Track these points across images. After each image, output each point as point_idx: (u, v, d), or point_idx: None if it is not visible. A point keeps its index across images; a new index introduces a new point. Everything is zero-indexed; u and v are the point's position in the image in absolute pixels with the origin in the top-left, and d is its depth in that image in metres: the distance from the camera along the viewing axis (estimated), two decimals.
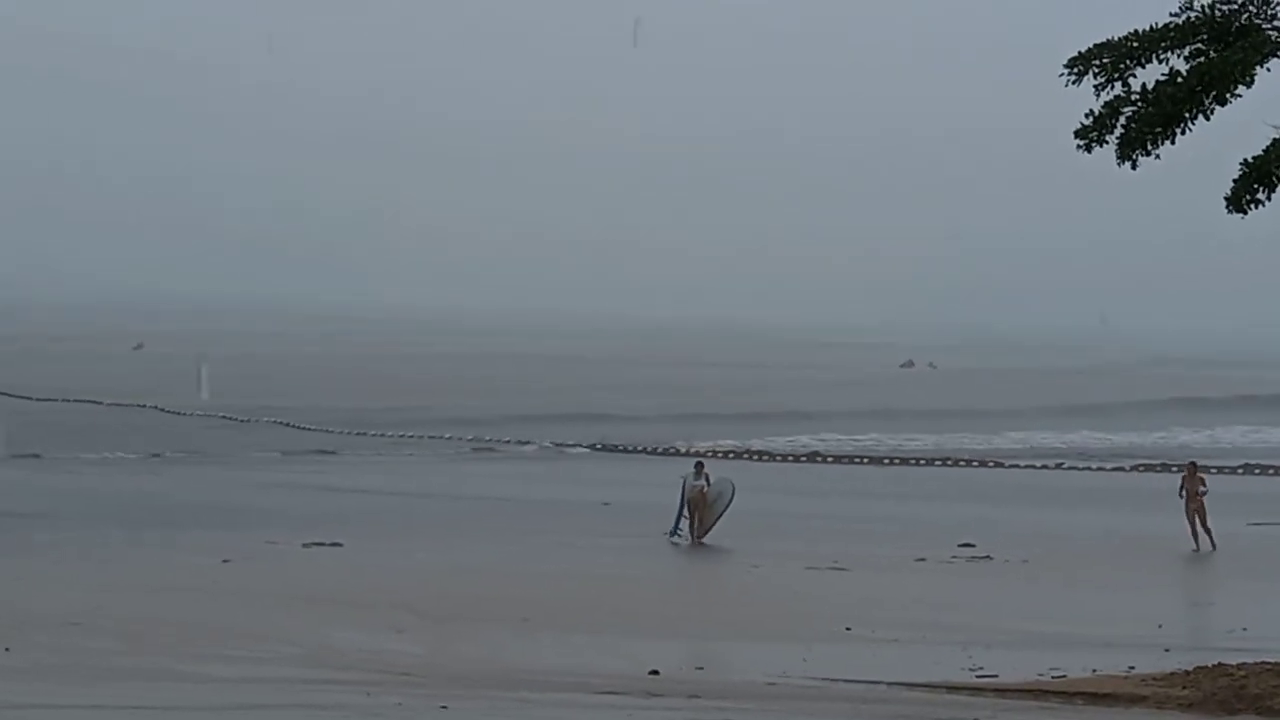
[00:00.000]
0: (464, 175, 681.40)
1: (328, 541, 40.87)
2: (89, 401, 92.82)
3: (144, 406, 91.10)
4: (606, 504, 54.29)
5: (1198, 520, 43.30)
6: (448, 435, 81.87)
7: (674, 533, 44.06)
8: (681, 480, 44.87)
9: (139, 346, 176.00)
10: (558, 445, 79.88)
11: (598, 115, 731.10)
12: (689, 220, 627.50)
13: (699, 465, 45.85)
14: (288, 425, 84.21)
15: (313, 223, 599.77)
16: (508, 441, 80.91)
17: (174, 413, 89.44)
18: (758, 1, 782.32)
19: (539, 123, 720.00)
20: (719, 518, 44.20)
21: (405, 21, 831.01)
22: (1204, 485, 44.00)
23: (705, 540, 43.80)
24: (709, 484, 44.44)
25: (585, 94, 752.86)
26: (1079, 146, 19.90)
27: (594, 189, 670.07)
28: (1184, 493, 43.99)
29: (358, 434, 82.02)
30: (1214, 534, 43.14)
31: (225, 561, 37.13)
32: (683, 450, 75.79)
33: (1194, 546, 43.05)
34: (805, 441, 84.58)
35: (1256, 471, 69.96)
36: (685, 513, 44.10)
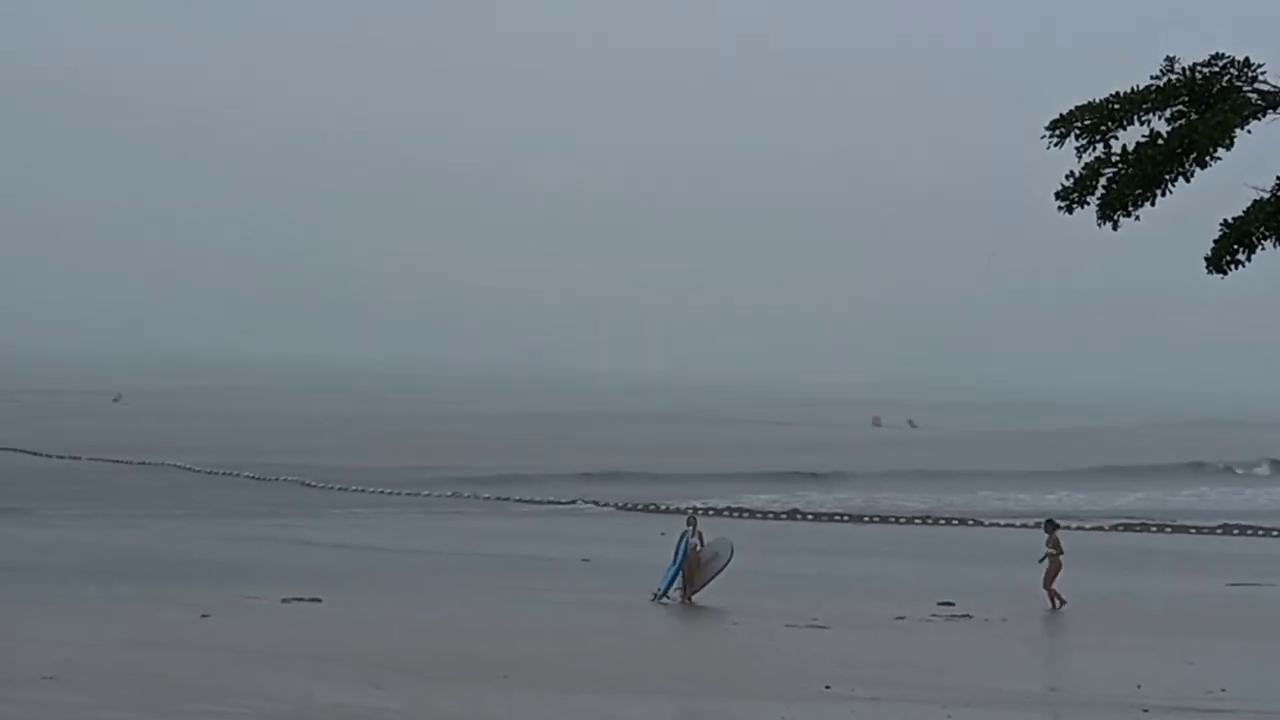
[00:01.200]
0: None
1: (307, 597, 40.75)
2: (111, 460, 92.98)
3: (171, 465, 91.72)
4: (586, 560, 54.25)
5: (1045, 577, 42.98)
6: (449, 493, 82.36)
7: (663, 594, 42.84)
8: (680, 537, 43.50)
9: (118, 399, 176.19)
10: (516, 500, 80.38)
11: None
12: (627, 273, 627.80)
13: (692, 520, 44.26)
14: (303, 483, 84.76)
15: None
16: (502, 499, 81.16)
17: (194, 470, 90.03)
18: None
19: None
20: (713, 577, 43.27)
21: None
22: (1057, 546, 43.34)
23: (694, 599, 42.74)
24: (702, 541, 43.30)
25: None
26: (1060, 208, 20.02)
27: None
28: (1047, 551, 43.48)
29: (359, 490, 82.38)
30: (1058, 595, 42.57)
31: (204, 616, 36.99)
32: (662, 508, 75.78)
33: (1050, 606, 42.60)
34: (783, 499, 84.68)
35: (1235, 532, 70.08)
36: (678, 572, 42.91)
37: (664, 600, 42.66)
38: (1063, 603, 42.68)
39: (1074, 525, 73.65)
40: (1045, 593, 43.06)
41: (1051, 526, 45.24)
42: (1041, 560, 43.68)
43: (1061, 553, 43.47)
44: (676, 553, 43.15)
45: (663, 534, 46.97)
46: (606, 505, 79.17)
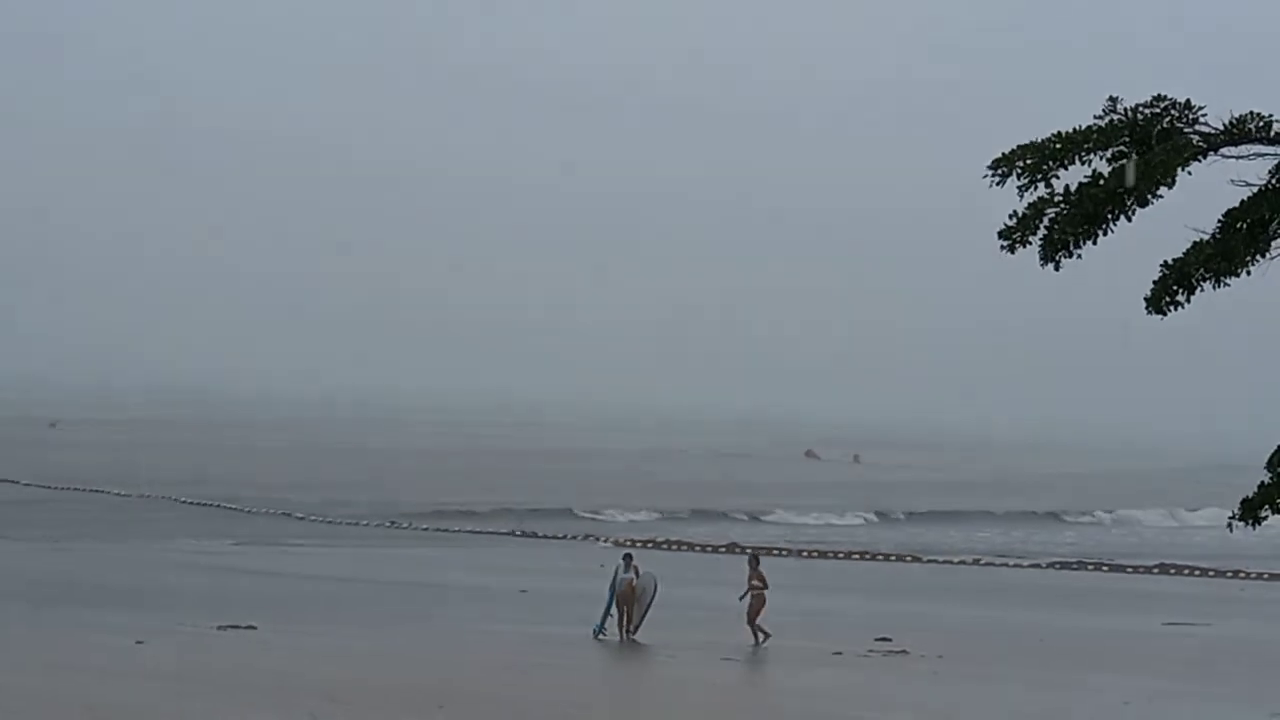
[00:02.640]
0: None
1: (242, 624, 40.50)
2: (41, 486, 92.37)
3: (102, 492, 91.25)
4: (524, 591, 54.10)
5: (749, 613, 41.95)
6: (388, 523, 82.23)
7: (600, 630, 42.30)
8: (613, 572, 42.97)
9: (54, 425, 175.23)
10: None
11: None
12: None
13: (628, 557, 43.67)
14: (243, 511, 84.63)
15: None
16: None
17: (125, 495, 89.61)
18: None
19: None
20: (645, 612, 42.94)
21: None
22: (762, 581, 42.16)
23: (635, 636, 42.06)
24: (638, 576, 42.63)
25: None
26: (1003, 247, 20.06)
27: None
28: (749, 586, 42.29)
29: (300, 518, 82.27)
30: (763, 629, 41.69)
31: (138, 643, 36.69)
32: (601, 540, 75.73)
33: (753, 642, 41.64)
34: (722, 531, 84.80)
35: (1172, 572, 70.42)
36: (613, 608, 42.40)
37: (601, 636, 42.36)
38: (767, 636, 41.59)
39: (1011, 563, 74.04)
40: (748, 629, 41.80)
41: (755, 561, 43.71)
42: (743, 597, 42.29)
43: (766, 587, 42.22)
44: (610, 589, 42.79)
45: (601, 566, 46.88)
46: (545, 537, 79.09)
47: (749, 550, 45.50)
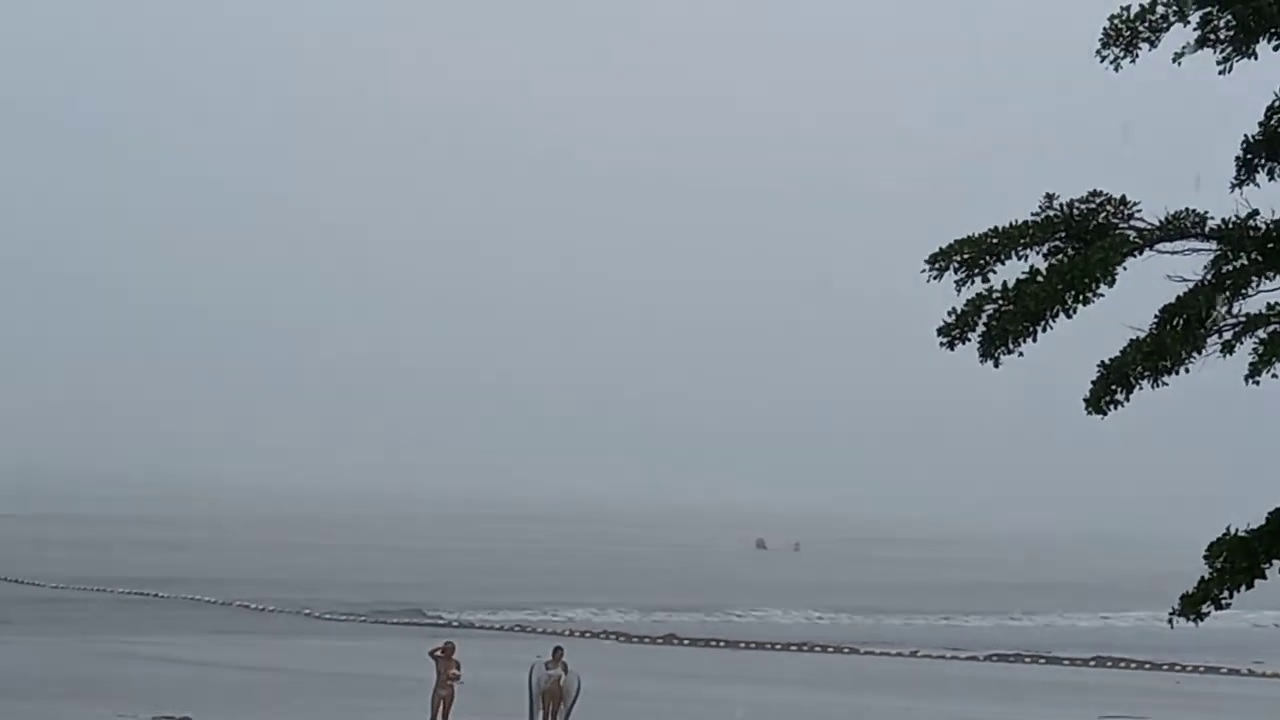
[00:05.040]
0: None
1: (178, 716, 40.18)
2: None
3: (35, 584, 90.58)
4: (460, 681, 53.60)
5: (442, 707, 40.98)
6: (325, 614, 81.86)
7: None
8: (529, 669, 41.27)
9: None
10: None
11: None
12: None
13: (557, 651, 41.92)
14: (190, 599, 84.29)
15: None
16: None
17: (59, 587, 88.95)
18: None
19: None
20: (570, 711, 40.88)
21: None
22: (458, 669, 41.22)
23: None
24: (566, 672, 40.75)
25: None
26: (942, 344, 20.03)
27: None
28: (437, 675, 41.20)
29: (242, 606, 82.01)
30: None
31: None
32: (540, 630, 75.40)
33: None
34: (662, 621, 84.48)
35: (1108, 664, 70.48)
36: (537, 706, 40.61)
37: None
38: None
39: (948, 655, 73.92)
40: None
41: (450, 648, 42.30)
42: (450, 679, 41.16)
43: (459, 678, 41.16)
44: (529, 684, 41.11)
45: (538, 656, 46.39)
46: (487, 627, 78.63)
47: (445, 641, 43.53)
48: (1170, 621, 21.41)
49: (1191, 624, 21.38)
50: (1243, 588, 20.99)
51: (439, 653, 41.84)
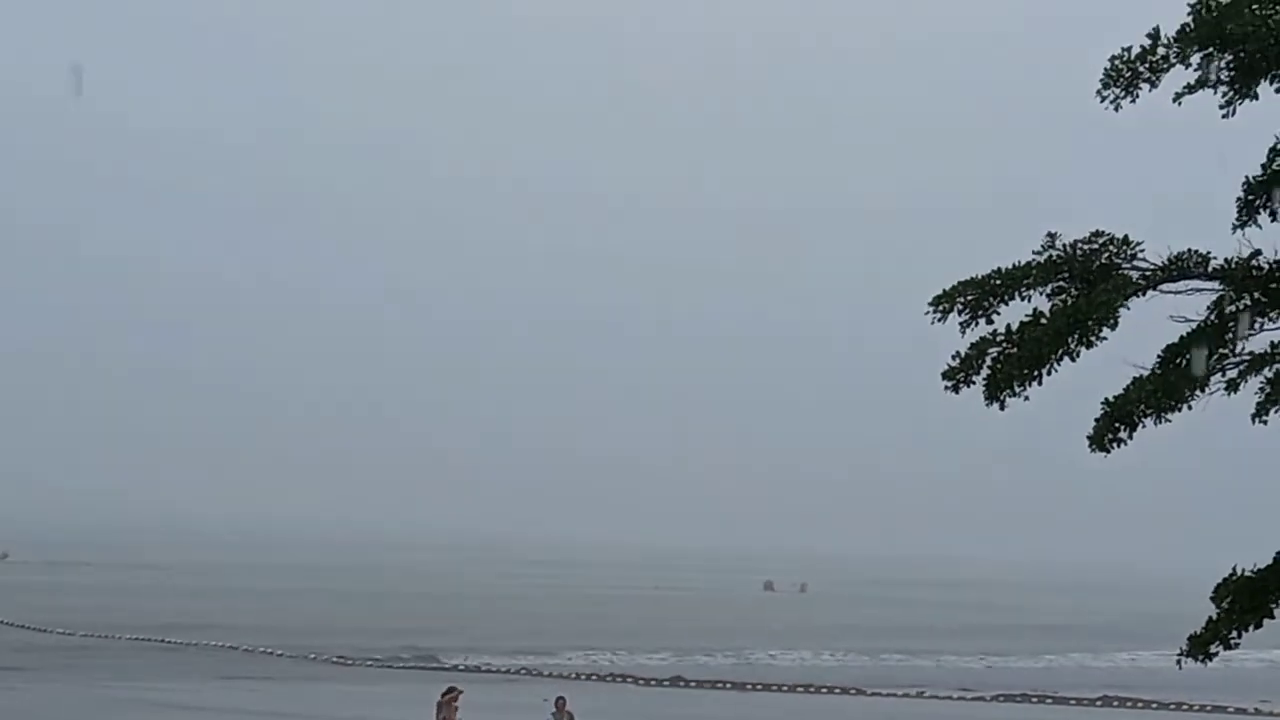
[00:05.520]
0: None
1: None
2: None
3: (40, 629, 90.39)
4: None
5: None
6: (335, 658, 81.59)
7: None
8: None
9: (4, 556, 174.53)
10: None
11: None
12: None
13: (560, 702, 41.55)
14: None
15: None
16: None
17: (69, 634, 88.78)
18: None
19: None
20: None
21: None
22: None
23: None
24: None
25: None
26: (947, 387, 19.99)
27: None
28: None
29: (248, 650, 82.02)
30: None
31: None
32: (546, 673, 75.18)
33: None
34: (671, 663, 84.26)
35: (1115, 704, 70.21)
36: None
37: None
38: None
39: (954, 695, 73.68)
40: None
41: (455, 693, 39.36)
42: None
43: None
44: None
45: (544, 700, 46.22)
46: (491, 670, 78.40)
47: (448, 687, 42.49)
48: (1179, 663, 21.29)
49: (1200, 664, 21.29)
50: (1251, 628, 20.90)
51: (444, 699, 41.45)
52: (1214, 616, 20.85)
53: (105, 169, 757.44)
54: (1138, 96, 20.34)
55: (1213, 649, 20.93)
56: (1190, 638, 21.06)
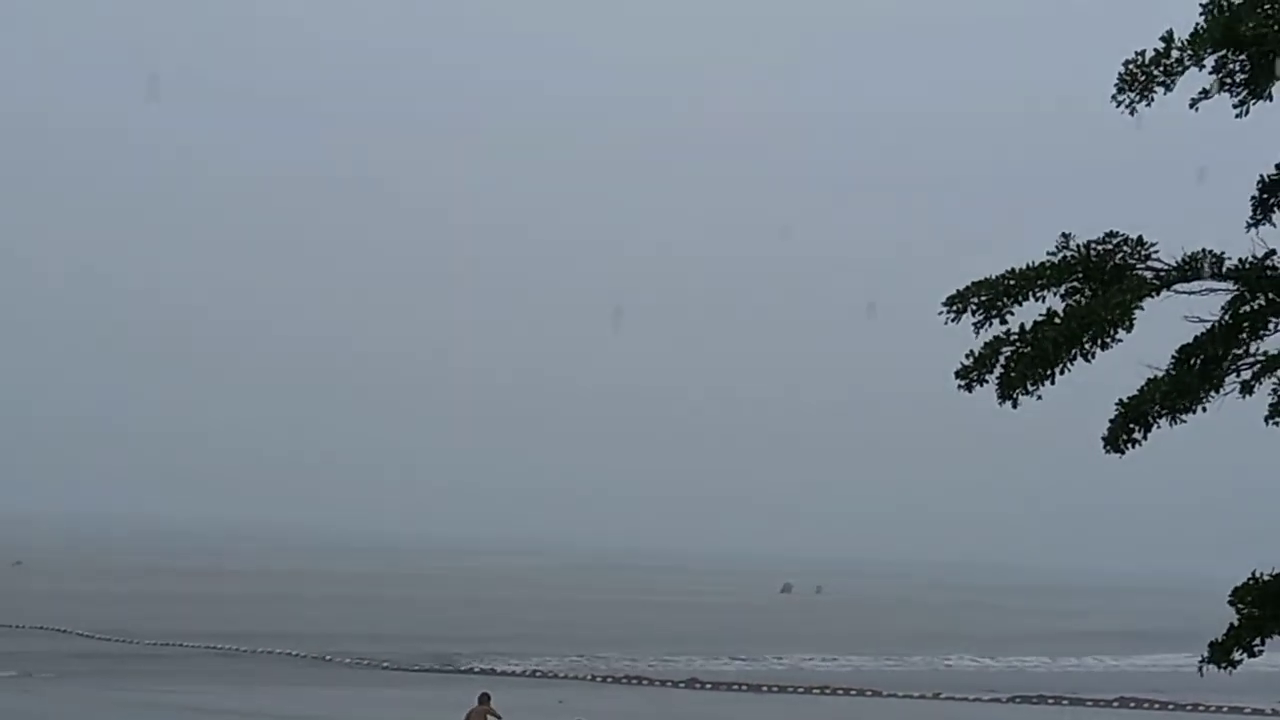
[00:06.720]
0: None
1: None
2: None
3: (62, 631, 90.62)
4: None
5: None
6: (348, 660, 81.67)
7: None
8: None
9: (18, 563, 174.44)
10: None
11: None
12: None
13: (484, 697, 41.67)
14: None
15: None
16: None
17: (87, 636, 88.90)
18: None
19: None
20: None
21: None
22: (496, 717, 40.65)
23: None
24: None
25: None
26: (960, 386, 19.94)
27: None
28: None
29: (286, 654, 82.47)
30: None
31: None
32: (564, 675, 75.32)
33: None
34: (684, 666, 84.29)
35: (1132, 705, 70.14)
36: None
37: None
38: None
39: (971, 697, 73.65)
40: None
41: (485, 699, 42.02)
42: None
43: None
44: None
45: (560, 701, 46.47)
46: (510, 674, 78.42)
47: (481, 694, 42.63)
48: (1200, 669, 20.99)
49: (1227, 672, 20.99)
50: (1276, 634, 20.62)
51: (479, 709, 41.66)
52: (1235, 623, 20.63)
53: None
54: (1153, 100, 20.31)
55: (1236, 655, 20.65)
56: (1211, 644, 20.78)
